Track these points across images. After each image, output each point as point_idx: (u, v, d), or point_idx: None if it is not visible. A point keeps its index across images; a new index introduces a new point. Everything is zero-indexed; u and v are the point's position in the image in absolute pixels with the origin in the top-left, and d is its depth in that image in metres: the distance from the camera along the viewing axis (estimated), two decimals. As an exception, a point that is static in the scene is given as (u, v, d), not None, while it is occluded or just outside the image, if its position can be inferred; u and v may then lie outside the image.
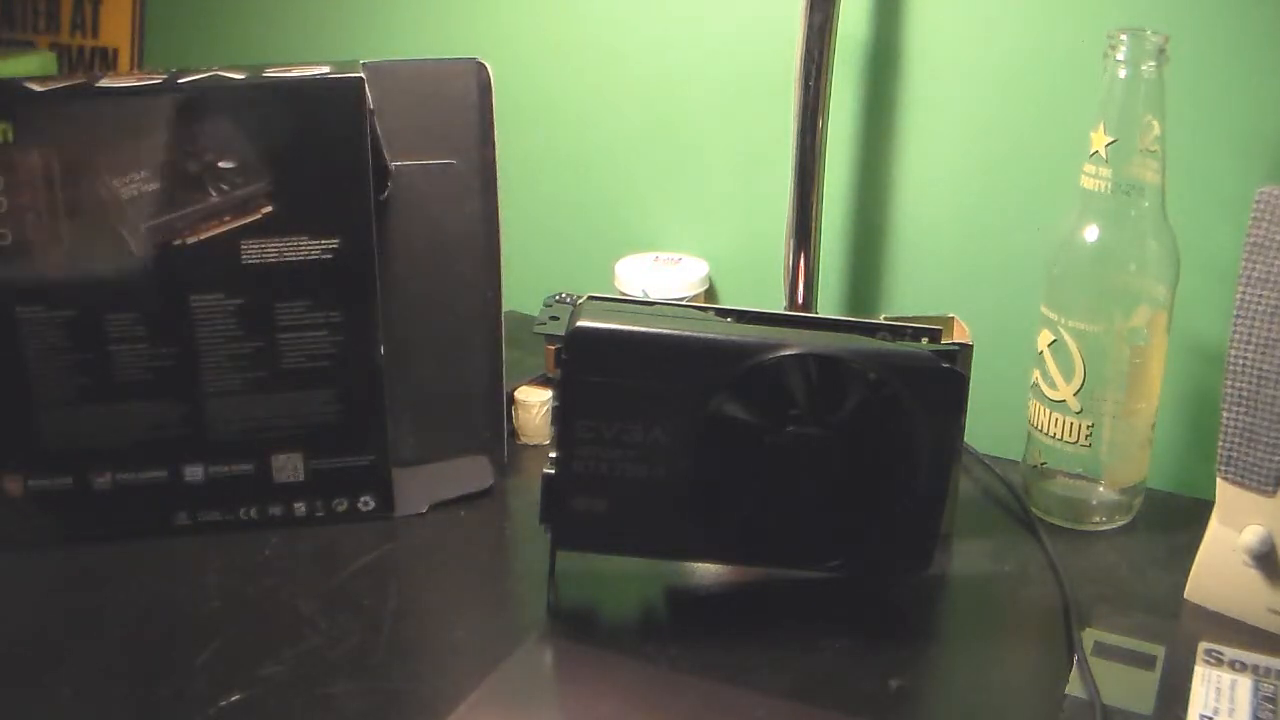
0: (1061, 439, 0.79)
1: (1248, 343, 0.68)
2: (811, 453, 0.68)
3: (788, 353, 0.67)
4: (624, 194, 1.05)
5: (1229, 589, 0.71)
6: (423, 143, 0.81)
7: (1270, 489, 0.69)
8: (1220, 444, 0.70)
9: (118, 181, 0.73)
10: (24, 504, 0.77)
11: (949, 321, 0.78)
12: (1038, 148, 0.87)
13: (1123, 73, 0.73)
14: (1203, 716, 0.62)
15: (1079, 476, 0.80)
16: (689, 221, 1.03)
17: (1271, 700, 0.63)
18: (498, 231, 0.83)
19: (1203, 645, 0.67)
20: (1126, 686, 0.64)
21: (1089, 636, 0.68)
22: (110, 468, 0.78)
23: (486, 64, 0.82)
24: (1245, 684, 0.64)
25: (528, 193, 1.05)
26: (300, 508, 0.80)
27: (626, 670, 0.67)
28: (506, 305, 0.85)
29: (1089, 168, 0.75)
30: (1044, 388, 0.79)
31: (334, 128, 0.74)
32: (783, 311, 0.77)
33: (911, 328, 0.71)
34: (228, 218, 0.75)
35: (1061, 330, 0.77)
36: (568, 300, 0.73)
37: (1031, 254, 0.82)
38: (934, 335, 0.71)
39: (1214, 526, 0.72)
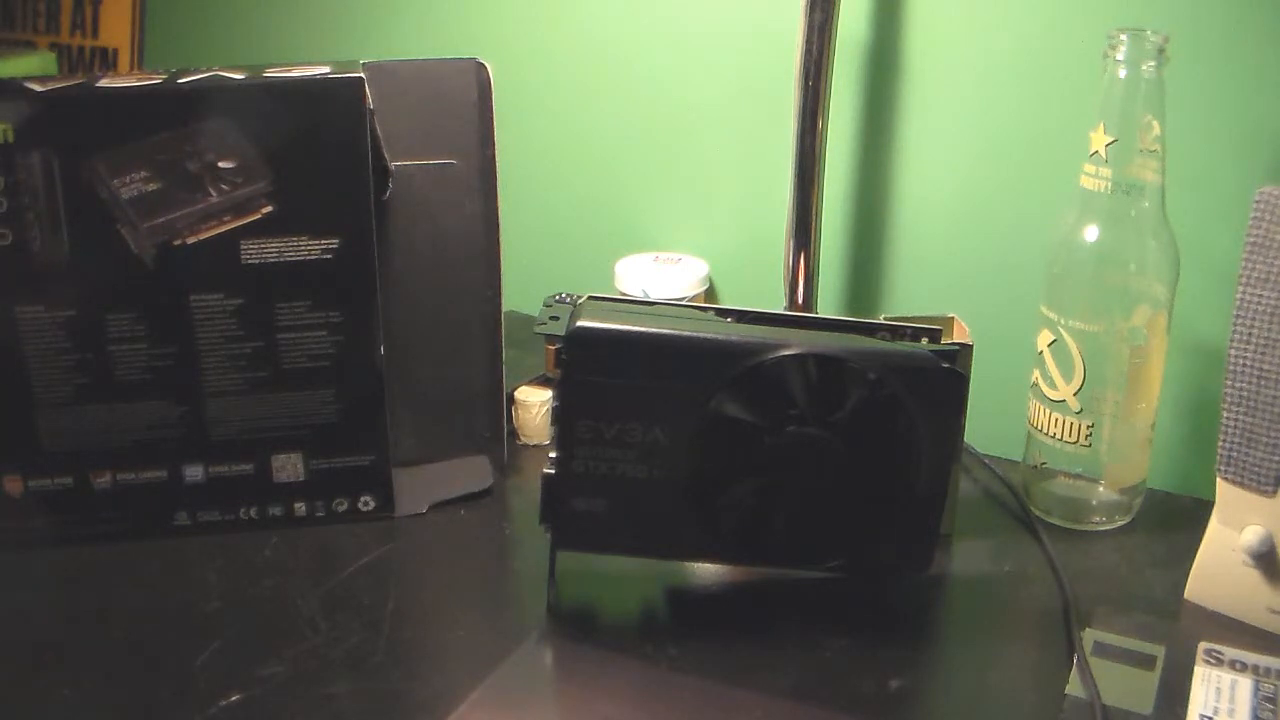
0: (1061, 439, 0.79)
1: (1248, 343, 0.68)
2: (811, 453, 0.68)
3: (788, 353, 0.67)
4: (624, 194, 1.05)
5: (1229, 589, 0.71)
6: (423, 143, 0.81)
7: (1270, 489, 0.69)
8: (1220, 444, 0.70)
9: (118, 181, 0.73)
10: (24, 504, 0.77)
11: (949, 321, 0.78)
12: (1038, 148, 0.87)
13: (1123, 73, 0.73)
14: (1203, 716, 0.62)
15: (1079, 476, 0.80)
16: (689, 221, 1.03)
17: (1271, 700, 0.63)
18: (498, 231, 0.83)
19: (1203, 645, 0.67)
20: (1126, 686, 0.64)
21: (1089, 636, 0.68)
22: (110, 468, 0.78)
23: (486, 64, 0.82)
24: (1245, 684, 0.64)
25: (528, 193, 1.05)
26: (300, 508, 0.80)
27: (626, 670, 0.67)
28: (506, 305, 0.85)
29: (1089, 168, 0.75)
30: (1044, 388, 0.79)
31: (334, 128, 0.74)
32: (783, 311, 0.77)
33: (911, 328, 0.71)
34: (228, 218, 0.75)
35: (1061, 330, 0.77)
36: (568, 300, 0.73)
37: (1031, 254, 0.82)
38: (934, 335, 0.71)
39: (1214, 526, 0.72)
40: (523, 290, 0.96)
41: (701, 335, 0.68)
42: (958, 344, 0.72)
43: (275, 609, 0.71)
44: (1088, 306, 0.76)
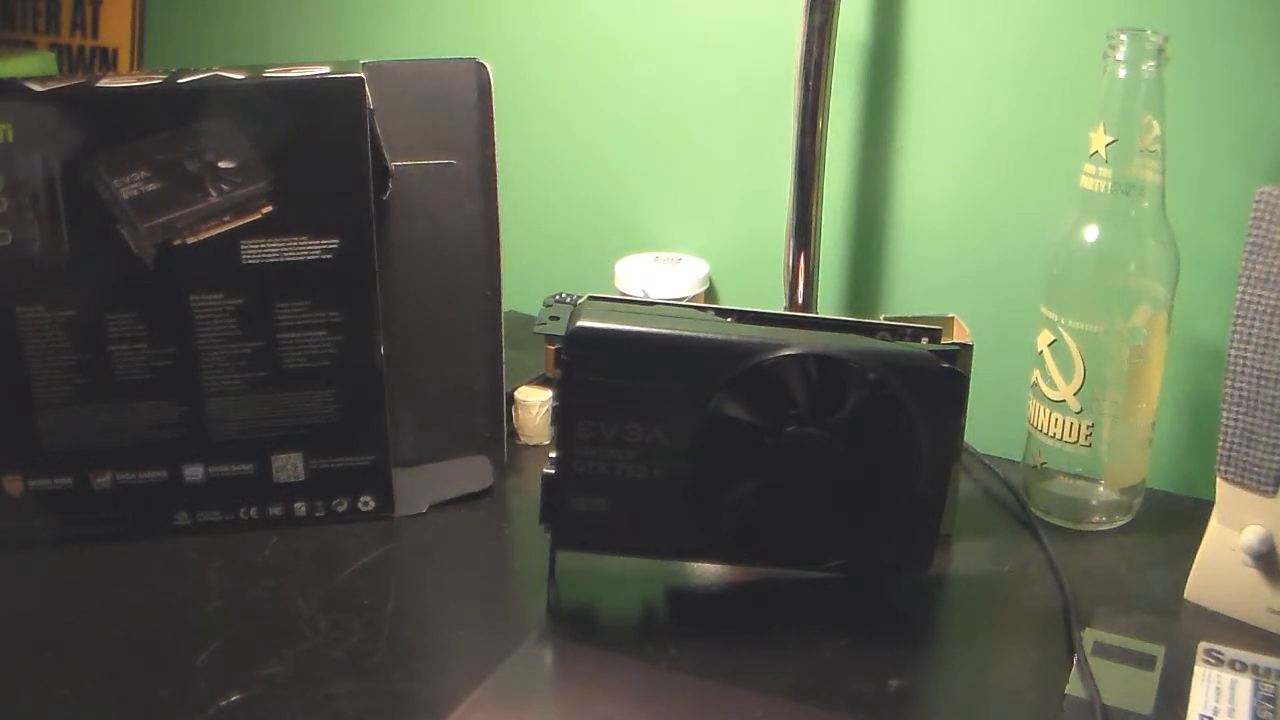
0: (1061, 439, 0.79)
1: (1248, 343, 0.68)
2: (811, 453, 0.68)
3: (787, 353, 0.67)
4: (624, 194, 1.05)
5: (1229, 589, 0.71)
6: (423, 143, 0.81)
7: (1270, 489, 0.69)
8: (1220, 444, 0.70)
9: (118, 181, 0.73)
10: (24, 504, 0.77)
11: (949, 321, 0.78)
12: (1038, 148, 0.87)
13: (1123, 73, 0.73)
14: (1203, 716, 0.62)
15: (1079, 476, 0.80)
16: (689, 221, 1.03)
17: (1271, 700, 0.63)
18: (498, 231, 0.83)
19: (1203, 645, 0.67)
20: (1126, 686, 0.64)
21: (1089, 636, 0.68)
22: (110, 468, 0.78)
23: (486, 64, 0.82)
24: (1245, 684, 0.64)
25: (528, 193, 1.05)
26: (300, 508, 0.80)
27: (626, 670, 0.67)
28: (506, 305, 0.85)
29: (1089, 168, 0.75)
30: (1044, 388, 0.79)
31: (334, 128, 0.74)
32: (783, 311, 0.77)
33: (911, 328, 0.71)
34: (228, 218, 0.75)
35: (1061, 330, 0.77)
36: (568, 300, 0.73)
37: (1031, 254, 0.82)
38: (934, 335, 0.71)
39: (1214, 526, 0.72)
40: (523, 290, 0.96)
41: (701, 335, 0.68)
42: (958, 344, 0.72)
43: (275, 609, 0.71)
44: (1088, 306, 0.76)
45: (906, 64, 0.90)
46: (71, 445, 0.77)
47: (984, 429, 0.84)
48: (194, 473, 0.79)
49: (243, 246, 0.75)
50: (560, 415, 0.68)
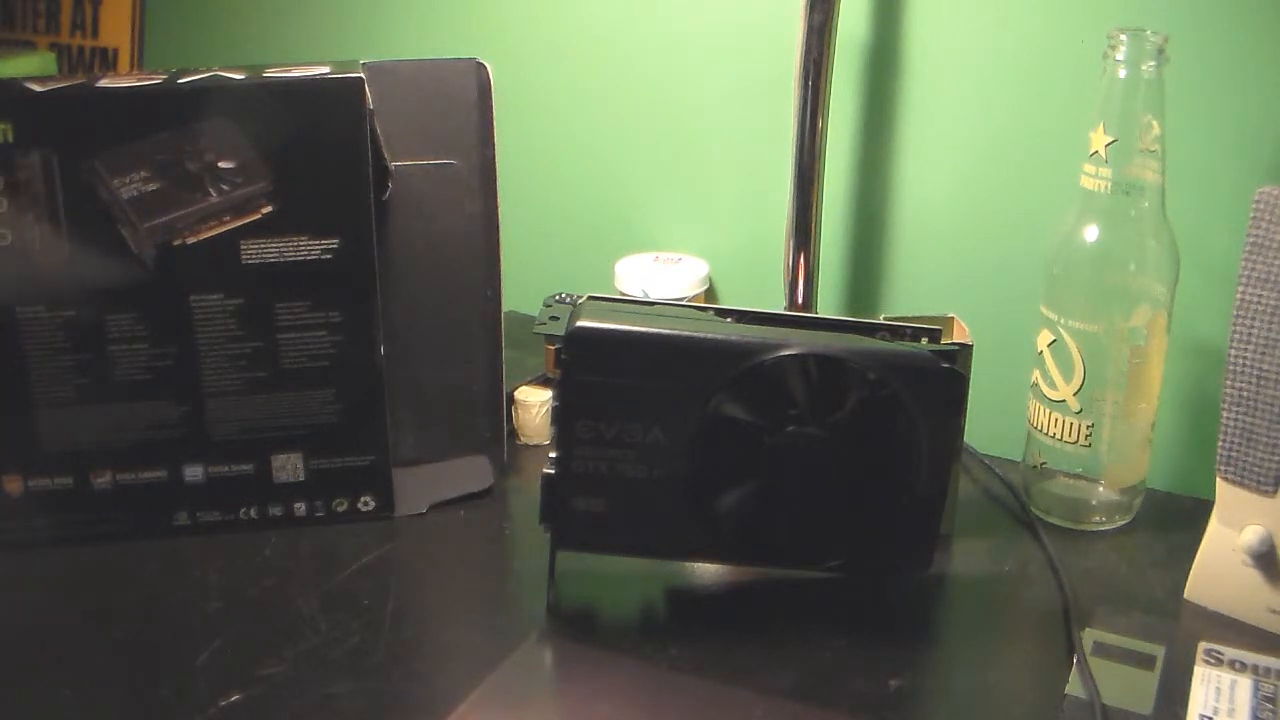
0: (1061, 439, 0.79)
1: (1248, 343, 0.68)
2: (811, 453, 0.68)
3: (787, 353, 0.67)
4: (624, 194, 1.05)
5: (1229, 589, 0.71)
6: (423, 143, 0.81)
7: (1270, 489, 0.69)
8: (1220, 444, 0.70)
9: (118, 181, 0.73)
10: (24, 504, 0.77)
11: (949, 321, 0.78)
12: (1038, 148, 0.87)
13: (1122, 73, 0.73)
14: (1203, 716, 0.62)
15: (1079, 476, 0.80)
16: (689, 221, 1.03)
17: (1271, 700, 0.63)
18: (498, 231, 0.83)
19: (1203, 645, 0.67)
20: (1126, 686, 0.64)
21: (1089, 636, 0.68)
22: (110, 468, 0.78)
23: (486, 64, 0.82)
24: (1245, 684, 0.64)
25: (528, 193, 1.05)
26: (300, 508, 0.80)
27: (626, 670, 0.67)
28: (506, 305, 0.85)
29: (1089, 168, 0.75)
30: (1044, 388, 0.79)
31: (334, 128, 0.74)
32: (783, 311, 0.77)
33: (911, 328, 0.71)
34: (228, 218, 0.75)
35: (1061, 330, 0.77)
36: (568, 300, 0.73)
37: (1031, 254, 0.82)
38: (934, 335, 0.71)
39: (1214, 526, 0.72)
40: (523, 290, 0.96)
41: (701, 335, 0.68)
42: (958, 344, 0.72)
43: (275, 609, 0.71)
44: (1088, 306, 0.76)
45: (906, 64, 0.90)
46: (71, 445, 0.77)
47: (984, 429, 0.84)
48: (194, 473, 0.79)
49: (243, 246, 0.75)
50: (560, 415, 0.68)
